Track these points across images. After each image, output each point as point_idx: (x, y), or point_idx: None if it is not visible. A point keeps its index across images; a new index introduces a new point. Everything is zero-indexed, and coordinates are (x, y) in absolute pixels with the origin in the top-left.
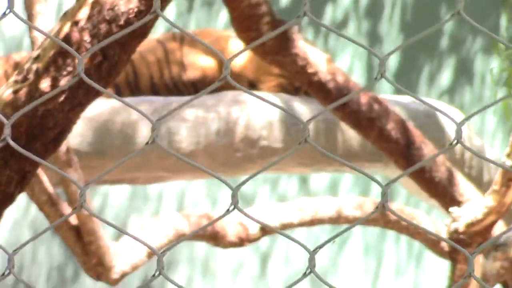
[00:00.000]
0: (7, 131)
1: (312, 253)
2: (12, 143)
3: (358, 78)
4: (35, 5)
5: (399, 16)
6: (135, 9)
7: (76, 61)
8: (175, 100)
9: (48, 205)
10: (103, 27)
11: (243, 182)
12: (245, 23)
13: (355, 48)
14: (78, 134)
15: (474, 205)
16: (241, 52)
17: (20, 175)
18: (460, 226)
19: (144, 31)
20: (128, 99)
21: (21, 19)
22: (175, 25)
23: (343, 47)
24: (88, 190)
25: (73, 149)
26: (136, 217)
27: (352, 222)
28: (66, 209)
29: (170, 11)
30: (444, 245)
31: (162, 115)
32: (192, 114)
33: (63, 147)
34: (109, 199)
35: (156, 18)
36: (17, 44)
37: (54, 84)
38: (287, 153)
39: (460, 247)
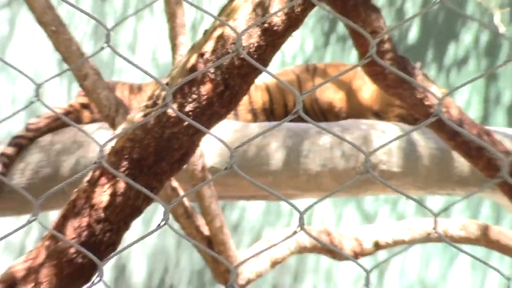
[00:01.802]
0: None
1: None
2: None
3: (475, 110)
4: (179, 37)
5: None
6: (255, 44)
7: (201, 88)
8: (305, 128)
9: (184, 217)
10: (226, 59)
11: (310, 206)
12: (370, 60)
13: (474, 83)
14: (218, 155)
15: None
16: (314, 89)
17: (147, 190)
18: None
19: (263, 64)
20: (266, 124)
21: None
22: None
23: (462, 82)
24: (223, 205)
25: (210, 168)
26: (269, 230)
27: (457, 241)
28: (200, 220)
29: (308, 45)
30: None
31: (240, 144)
32: (321, 140)
33: (199, 166)
34: (246, 213)
35: (274, 52)
36: (168, 70)
37: (180, 109)
38: (348, 182)
39: None
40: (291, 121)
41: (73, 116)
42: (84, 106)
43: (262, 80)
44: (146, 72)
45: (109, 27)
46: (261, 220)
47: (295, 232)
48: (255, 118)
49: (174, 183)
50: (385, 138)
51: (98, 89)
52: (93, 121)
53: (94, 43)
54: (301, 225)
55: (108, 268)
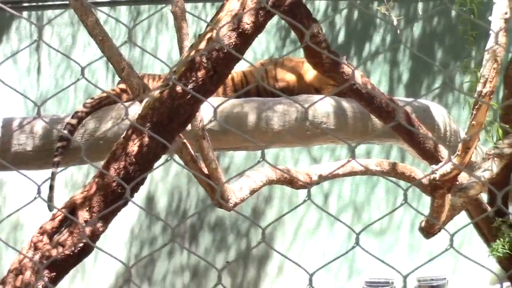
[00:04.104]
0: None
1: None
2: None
3: (384, 86)
4: (184, 42)
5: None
6: (233, 43)
7: (198, 73)
8: (270, 100)
9: (191, 162)
10: (214, 53)
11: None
12: (312, 53)
13: (382, 68)
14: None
15: (445, 163)
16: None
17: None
18: (437, 176)
19: (237, 58)
20: (243, 99)
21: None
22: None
23: (375, 68)
24: (219, 154)
25: (207, 128)
26: (248, 170)
27: (375, 173)
28: (202, 164)
29: (271, 46)
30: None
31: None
32: (280, 108)
33: (200, 127)
34: (234, 159)
35: (246, 48)
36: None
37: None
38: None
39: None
40: (260, 96)
41: (116, 97)
42: (123, 90)
43: (241, 69)
44: (164, 62)
45: (139, 37)
46: (243, 163)
47: (258, 162)
48: (237, 96)
49: (184, 140)
50: (324, 105)
51: (131, 78)
52: (129, 100)
53: (128, 48)
54: (263, 158)
55: (141, 199)
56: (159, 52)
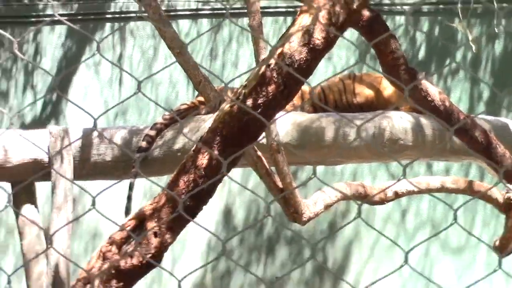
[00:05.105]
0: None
1: None
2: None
3: (464, 104)
4: (261, 56)
5: None
6: (304, 58)
7: (268, 88)
8: (347, 115)
9: (265, 176)
10: (284, 68)
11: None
12: (390, 69)
13: (462, 85)
14: (289, 134)
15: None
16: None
17: (233, 155)
18: (511, 195)
19: (309, 71)
20: (321, 114)
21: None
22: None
23: (455, 85)
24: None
25: (283, 143)
26: (325, 186)
27: (450, 191)
28: (276, 178)
29: (351, 61)
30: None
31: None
32: (358, 123)
33: (274, 142)
34: (311, 174)
35: (317, 63)
36: None
37: (254, 103)
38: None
39: None
40: (339, 111)
41: (194, 109)
42: (202, 102)
43: (320, 84)
44: (217, 77)
45: (220, 50)
46: (321, 178)
47: (310, 178)
48: (315, 110)
49: (258, 153)
50: (402, 122)
51: (208, 91)
52: (207, 112)
53: (210, 61)
54: (315, 173)
55: (218, 211)
56: (239, 65)
